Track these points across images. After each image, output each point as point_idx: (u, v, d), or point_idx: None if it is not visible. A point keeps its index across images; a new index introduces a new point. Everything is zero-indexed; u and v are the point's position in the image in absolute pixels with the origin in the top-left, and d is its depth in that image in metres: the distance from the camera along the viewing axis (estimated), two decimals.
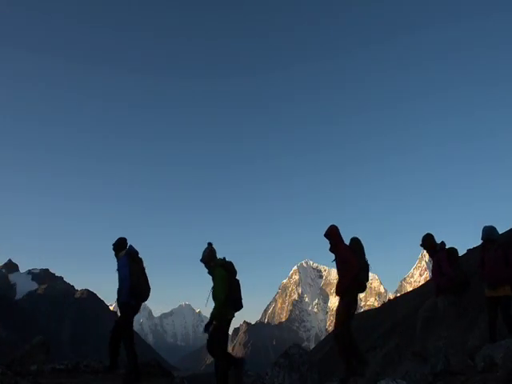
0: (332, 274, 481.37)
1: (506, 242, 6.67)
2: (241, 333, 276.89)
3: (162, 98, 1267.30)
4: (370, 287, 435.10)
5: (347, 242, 6.05)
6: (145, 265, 6.41)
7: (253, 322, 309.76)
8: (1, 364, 5.81)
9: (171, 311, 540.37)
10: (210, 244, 5.92)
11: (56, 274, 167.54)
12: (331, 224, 6.03)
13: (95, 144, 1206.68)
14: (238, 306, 5.84)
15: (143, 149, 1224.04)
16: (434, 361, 6.31)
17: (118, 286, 6.10)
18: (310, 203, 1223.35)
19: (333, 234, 5.95)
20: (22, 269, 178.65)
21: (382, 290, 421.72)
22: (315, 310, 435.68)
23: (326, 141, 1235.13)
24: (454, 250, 6.65)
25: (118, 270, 6.18)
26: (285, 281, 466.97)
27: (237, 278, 5.91)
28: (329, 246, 6.00)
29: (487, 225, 6.97)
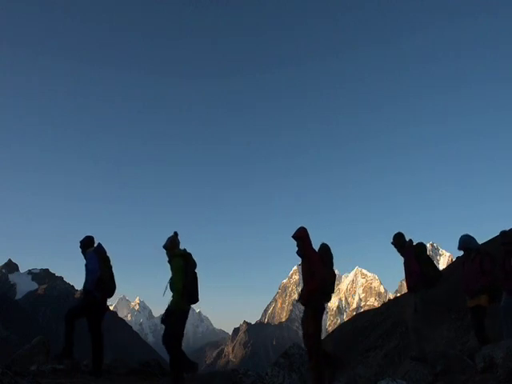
0: None
1: (482, 250, 6.60)
2: (241, 333, 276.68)
3: (161, 98, 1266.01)
4: (370, 287, 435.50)
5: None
6: (112, 263, 6.50)
7: (253, 322, 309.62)
8: (1, 364, 5.80)
9: None
10: (175, 232, 5.97)
11: (56, 274, 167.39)
12: (301, 226, 5.57)
13: (95, 144, 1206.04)
14: (194, 298, 5.79)
15: (143, 149, 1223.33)
16: (434, 361, 6.31)
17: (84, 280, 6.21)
18: (310, 203, 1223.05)
19: (302, 236, 5.47)
20: (22, 269, 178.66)
21: (382, 289, 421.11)
22: None
23: (325, 141, 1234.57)
24: (421, 246, 6.68)
25: (86, 264, 6.27)
26: (285, 281, 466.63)
27: (195, 271, 5.86)
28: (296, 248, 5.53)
29: (464, 234, 6.93)
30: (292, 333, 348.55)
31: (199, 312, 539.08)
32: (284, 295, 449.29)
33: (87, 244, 6.53)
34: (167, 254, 5.85)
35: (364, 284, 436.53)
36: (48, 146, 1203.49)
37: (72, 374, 6.18)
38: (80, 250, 6.50)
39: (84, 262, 6.33)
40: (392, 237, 6.84)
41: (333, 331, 38.53)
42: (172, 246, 5.87)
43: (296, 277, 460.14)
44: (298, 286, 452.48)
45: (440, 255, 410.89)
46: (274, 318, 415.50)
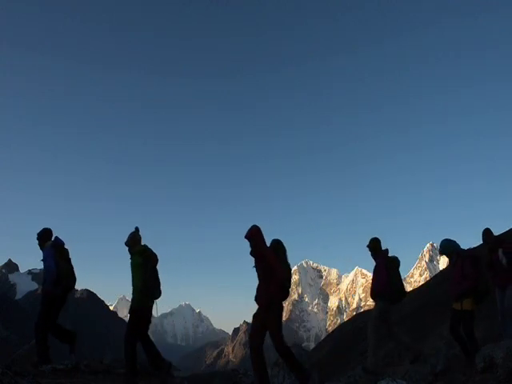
0: (332, 274, 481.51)
1: (462, 253, 6.59)
2: (241, 333, 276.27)
3: (161, 98, 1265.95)
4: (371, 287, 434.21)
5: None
6: (70, 256, 6.56)
7: None
8: (1, 364, 5.80)
9: (171, 311, 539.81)
10: (136, 228, 5.98)
11: None
12: (253, 225, 5.23)
13: (95, 144, 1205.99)
14: (157, 294, 5.86)
15: (143, 148, 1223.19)
16: (434, 361, 6.31)
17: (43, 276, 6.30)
18: (310, 203, 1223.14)
19: (255, 236, 5.14)
20: (22, 269, 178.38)
21: None
22: (315, 310, 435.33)
23: (325, 141, 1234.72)
24: (396, 260, 6.81)
25: (43, 260, 6.30)
26: None
27: (156, 267, 5.93)
28: (250, 249, 5.22)
29: (444, 238, 6.91)
30: (292, 333, 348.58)
31: (199, 312, 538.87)
32: None
33: (45, 237, 6.48)
34: (129, 250, 5.87)
35: (364, 284, 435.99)
36: (48, 146, 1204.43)
37: (72, 374, 6.18)
38: (38, 243, 6.47)
39: (41, 257, 6.38)
40: (369, 240, 6.92)
41: (333, 331, 38.49)
42: (133, 242, 5.87)
43: (296, 277, 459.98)
44: (298, 285, 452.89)
45: (440, 255, 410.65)
46: None
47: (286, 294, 5.25)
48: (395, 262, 6.79)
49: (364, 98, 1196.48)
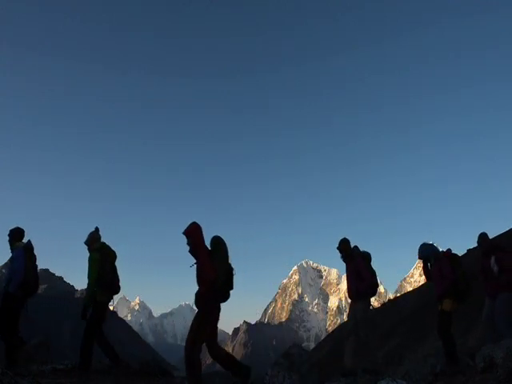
0: (332, 274, 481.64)
1: (439, 255, 6.62)
2: (241, 333, 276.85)
3: (161, 98, 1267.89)
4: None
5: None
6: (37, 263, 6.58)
7: (253, 322, 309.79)
8: (1, 364, 5.80)
9: (171, 311, 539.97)
10: (96, 228, 6.24)
11: (56, 274, 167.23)
12: (192, 221, 5.01)
13: (95, 143, 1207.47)
14: (115, 289, 6.17)
15: (143, 148, 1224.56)
16: (434, 361, 6.32)
17: (7, 275, 6.33)
18: (310, 203, 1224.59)
19: (193, 233, 4.93)
20: None
21: (382, 289, 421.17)
22: (315, 309, 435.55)
23: (325, 141, 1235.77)
24: (368, 255, 6.92)
25: (11, 259, 6.32)
26: (285, 281, 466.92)
27: (115, 264, 6.20)
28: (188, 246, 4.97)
29: (422, 243, 6.93)
30: (292, 333, 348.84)
31: None
32: (284, 295, 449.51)
33: (16, 236, 6.46)
34: (88, 249, 6.10)
35: None
36: (48, 146, 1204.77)
37: (72, 374, 6.18)
38: (8, 239, 6.46)
39: (9, 254, 6.38)
40: (339, 242, 6.94)
41: (333, 331, 38.57)
42: (92, 241, 6.11)
43: (296, 277, 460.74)
44: (298, 285, 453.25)
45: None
46: (273, 317, 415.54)
47: (217, 295, 4.94)
48: (370, 257, 6.94)
49: (364, 98, 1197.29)
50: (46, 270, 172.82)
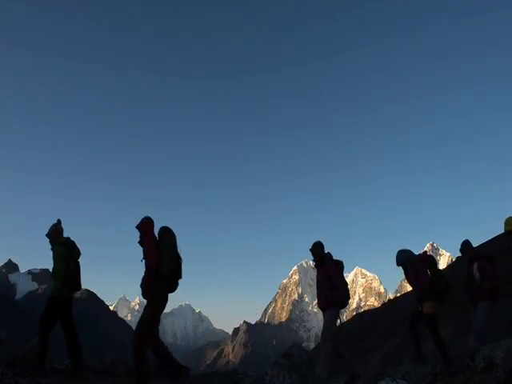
0: None
1: (414, 260, 6.62)
2: (241, 333, 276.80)
3: (161, 98, 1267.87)
4: (370, 287, 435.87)
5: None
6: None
7: (253, 322, 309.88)
8: (1, 364, 5.80)
9: (171, 311, 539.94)
10: (58, 220, 6.13)
11: None
12: (146, 216, 5.17)
13: (95, 143, 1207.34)
14: (76, 286, 6.03)
15: (143, 148, 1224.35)
16: (434, 361, 6.32)
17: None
18: (310, 203, 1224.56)
19: (143, 226, 5.08)
20: (22, 269, 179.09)
21: (382, 289, 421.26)
22: (315, 310, 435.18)
23: (325, 141, 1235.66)
24: (341, 263, 6.69)
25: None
26: (285, 281, 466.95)
27: (78, 260, 6.09)
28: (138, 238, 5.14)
29: (399, 250, 6.89)
30: (292, 333, 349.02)
31: (199, 312, 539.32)
32: (284, 295, 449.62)
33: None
34: (50, 242, 6.00)
35: (364, 284, 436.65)
36: (48, 146, 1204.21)
37: (72, 374, 6.18)
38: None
39: None
40: (312, 244, 6.73)
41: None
42: (55, 234, 6.01)
43: (296, 277, 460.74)
44: (298, 285, 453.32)
45: (440, 255, 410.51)
46: (274, 317, 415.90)
47: (164, 283, 4.94)
48: (342, 265, 6.69)
49: (364, 98, 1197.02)
50: (46, 270, 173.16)
